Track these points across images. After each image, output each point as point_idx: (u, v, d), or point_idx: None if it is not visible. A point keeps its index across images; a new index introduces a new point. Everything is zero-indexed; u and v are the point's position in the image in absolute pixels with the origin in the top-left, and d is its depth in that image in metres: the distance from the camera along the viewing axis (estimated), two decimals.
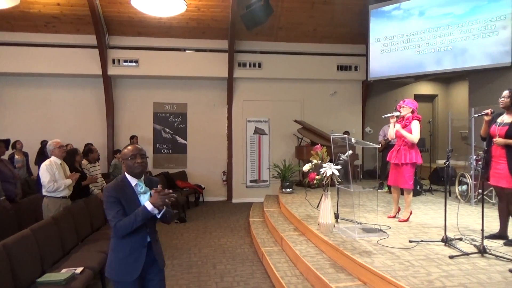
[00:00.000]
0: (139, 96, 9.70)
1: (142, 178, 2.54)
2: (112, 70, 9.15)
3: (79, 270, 3.58)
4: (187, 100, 9.93)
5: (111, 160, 8.83)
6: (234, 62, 9.49)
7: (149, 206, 2.34)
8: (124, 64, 9.17)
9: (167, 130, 9.90)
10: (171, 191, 2.37)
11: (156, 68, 9.28)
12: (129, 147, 2.51)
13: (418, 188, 7.33)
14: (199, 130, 9.96)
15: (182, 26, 9.05)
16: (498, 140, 3.98)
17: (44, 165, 4.64)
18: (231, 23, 8.64)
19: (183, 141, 9.96)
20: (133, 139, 8.94)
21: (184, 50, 9.65)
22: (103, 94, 9.28)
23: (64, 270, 3.57)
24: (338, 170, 4.54)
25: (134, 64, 9.19)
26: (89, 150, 6.15)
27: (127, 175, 2.50)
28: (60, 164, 4.81)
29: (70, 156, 5.26)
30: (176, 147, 9.92)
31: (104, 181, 6.27)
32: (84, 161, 5.90)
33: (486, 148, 4.23)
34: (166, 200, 2.34)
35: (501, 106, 4.07)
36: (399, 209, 5.35)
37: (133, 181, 2.49)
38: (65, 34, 8.95)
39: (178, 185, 8.83)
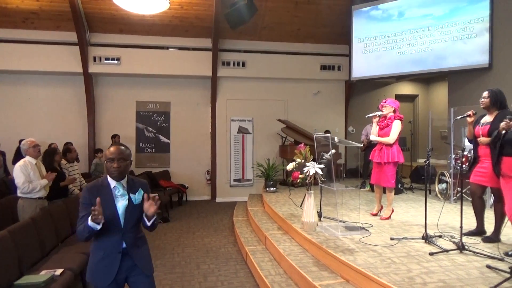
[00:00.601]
0: (121, 95, 9.56)
1: (124, 180, 2.44)
2: (93, 68, 8.98)
3: (59, 271, 3.51)
4: (171, 98, 9.84)
5: (92, 159, 8.67)
6: (218, 61, 9.45)
7: (89, 221, 2.20)
8: (105, 61, 9.01)
9: (150, 129, 9.79)
10: (96, 210, 2.16)
11: (139, 66, 9.16)
12: (111, 149, 2.38)
13: (399, 186, 7.45)
14: (182, 129, 9.88)
15: (165, 24, 8.96)
16: (481, 139, 4.08)
17: (18, 165, 4.51)
18: (215, 22, 8.60)
19: (166, 140, 9.87)
20: (115, 138, 8.82)
21: (167, 48, 9.56)
22: (84, 92, 9.10)
23: (43, 272, 3.49)
24: (321, 169, 4.57)
25: (116, 62, 9.05)
26: (67, 149, 6.05)
27: (108, 177, 2.42)
28: (36, 164, 4.69)
29: (49, 156, 5.15)
30: (159, 146, 9.82)
31: (84, 181, 6.18)
32: (63, 161, 5.81)
33: (472, 148, 4.34)
34: (96, 215, 2.15)
35: (482, 106, 4.17)
36: (381, 207, 5.43)
37: (112, 182, 2.40)
38: (44, 30, 8.73)
39: (161, 184, 8.75)
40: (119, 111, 9.55)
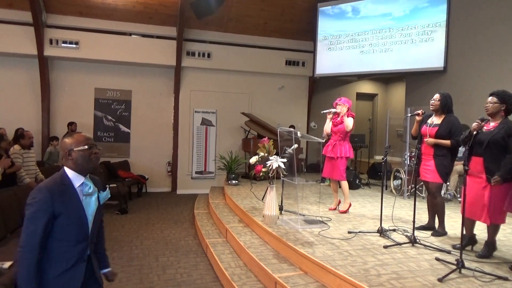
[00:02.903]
0: (79, 80, 9.13)
1: (88, 176, 2.06)
2: (49, 51, 8.51)
3: (7, 264, 3.32)
4: (132, 87, 9.54)
5: (46, 147, 8.26)
6: (182, 51, 9.26)
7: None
8: (63, 45, 8.56)
9: (109, 117, 9.45)
10: None
11: (99, 51, 8.79)
12: (82, 135, 2.03)
13: (357, 182, 7.70)
14: (143, 118, 9.62)
15: (128, 9, 8.64)
16: (429, 140, 4.29)
17: None
18: (181, 10, 8.41)
19: (126, 130, 9.57)
20: (71, 125, 8.44)
21: (130, 34, 9.23)
22: (39, 76, 8.61)
23: None
24: (284, 163, 4.63)
25: (74, 45, 8.62)
26: (21, 135, 5.72)
27: (69, 172, 1.96)
28: None
29: None
30: (119, 136, 9.51)
31: (38, 170, 5.87)
32: (17, 146, 5.53)
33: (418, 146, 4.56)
34: None
35: (431, 108, 4.38)
36: (339, 202, 5.60)
37: (77, 180, 1.96)
38: None
39: (120, 175, 8.49)
40: (76, 97, 9.13)
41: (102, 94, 9.37)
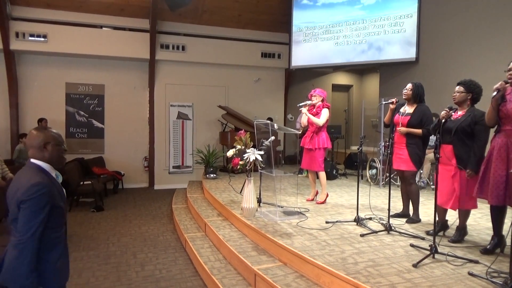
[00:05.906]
0: (49, 75, 8.81)
1: None
2: (15, 45, 8.16)
3: None
4: (105, 81, 9.29)
5: (15, 144, 7.96)
6: (156, 44, 9.07)
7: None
8: (30, 38, 8.23)
9: (82, 113, 9.18)
10: None
11: (69, 45, 8.49)
12: (54, 131, 2.11)
13: (334, 172, 7.81)
14: (118, 113, 9.41)
15: (98, 1, 8.37)
16: (401, 129, 4.39)
17: None
18: (153, 2, 8.20)
19: (100, 125, 9.34)
20: (42, 122, 8.16)
21: (101, 27, 8.96)
22: (5, 70, 8.26)
23: None
24: (261, 155, 4.64)
25: (42, 39, 8.30)
26: None
27: (44, 165, 2.03)
28: None
29: None
30: (92, 131, 9.27)
31: (6, 168, 5.66)
32: None
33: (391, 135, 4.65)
34: None
35: (404, 97, 4.48)
36: (317, 192, 5.66)
37: (52, 171, 2.08)
38: None
39: (95, 171, 8.30)
40: (46, 92, 8.81)
41: (74, 88, 9.09)
